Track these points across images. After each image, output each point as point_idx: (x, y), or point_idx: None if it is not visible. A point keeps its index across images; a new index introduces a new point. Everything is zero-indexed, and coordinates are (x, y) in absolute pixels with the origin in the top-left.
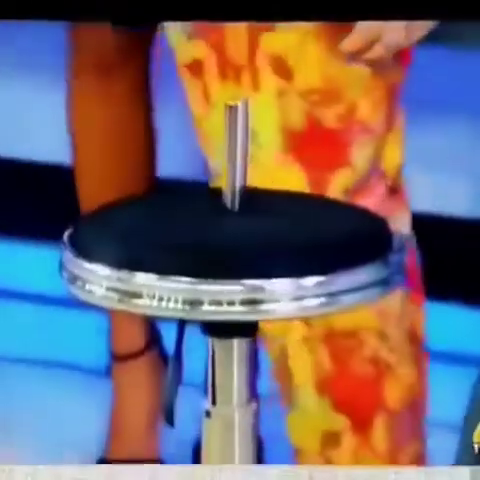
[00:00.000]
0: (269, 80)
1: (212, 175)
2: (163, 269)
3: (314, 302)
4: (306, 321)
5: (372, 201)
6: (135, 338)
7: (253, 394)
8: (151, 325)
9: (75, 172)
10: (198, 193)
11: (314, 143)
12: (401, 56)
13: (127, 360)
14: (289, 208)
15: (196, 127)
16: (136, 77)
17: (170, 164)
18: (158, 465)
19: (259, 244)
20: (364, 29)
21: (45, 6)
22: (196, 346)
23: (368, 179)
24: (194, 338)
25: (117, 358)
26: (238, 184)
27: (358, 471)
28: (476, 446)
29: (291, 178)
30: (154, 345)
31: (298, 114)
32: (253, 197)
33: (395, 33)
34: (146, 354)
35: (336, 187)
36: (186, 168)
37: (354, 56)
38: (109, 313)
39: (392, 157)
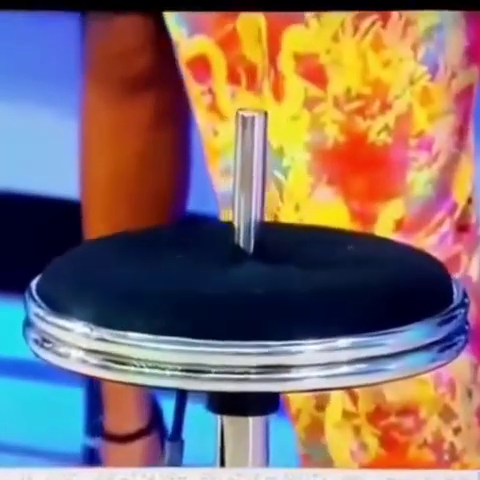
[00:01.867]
0: (295, 86)
1: (221, 206)
2: (158, 327)
3: (351, 370)
4: (348, 392)
5: (432, 241)
6: (132, 416)
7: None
8: (152, 399)
9: (83, 214)
10: (203, 230)
11: (356, 166)
12: (476, 53)
13: (121, 442)
14: (319, 250)
15: (203, 144)
16: (163, 98)
17: None
18: None
19: (280, 296)
20: None
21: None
22: (201, 423)
23: (428, 212)
24: (198, 414)
25: (110, 438)
26: (253, 218)
27: None
28: None
29: (326, 212)
30: (155, 426)
31: (334, 129)
32: (273, 235)
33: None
34: (144, 437)
35: (386, 223)
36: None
37: None
38: (100, 384)
39: (462, 183)
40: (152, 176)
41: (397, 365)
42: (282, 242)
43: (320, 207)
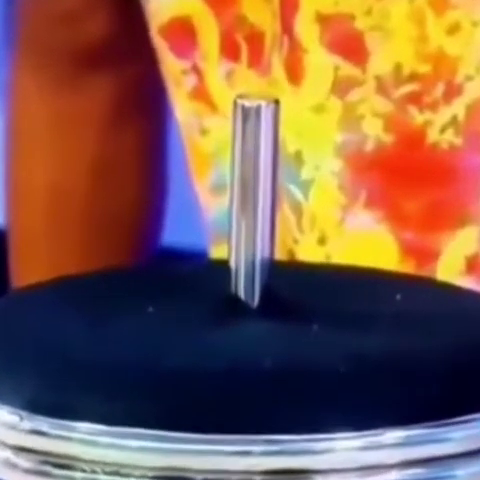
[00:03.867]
0: (320, 62)
1: (211, 237)
2: (118, 415)
3: (402, 477)
4: None
5: None
6: None
7: None
8: None
9: (10, 249)
10: (184, 272)
11: (409, 179)
12: None
13: None
14: (354, 302)
15: (185, 147)
16: (125, 80)
17: None
18: None
19: (296, 370)
20: None
21: None
22: None
23: None
24: None
25: None
26: (258, 256)
27: None
28: None
29: (365, 246)
30: None
31: (377, 125)
32: (287, 281)
33: None
34: None
35: (452, 261)
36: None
37: None
38: None
39: None
40: (110, 193)
41: (467, 471)
42: (300, 291)
43: (356, 239)
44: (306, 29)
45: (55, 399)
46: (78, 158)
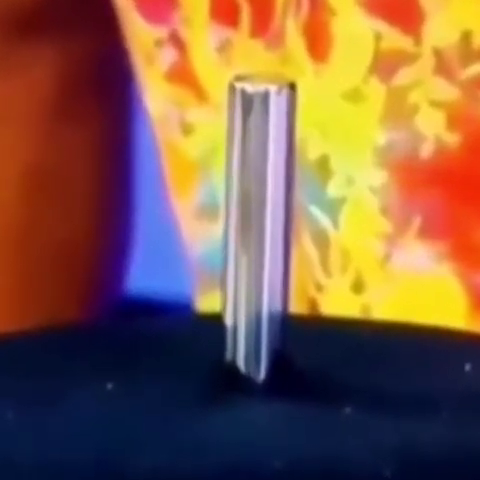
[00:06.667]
0: (355, 29)
1: (198, 282)
2: None
3: None
4: None
5: None
6: None
7: None
8: None
9: None
10: (159, 331)
11: None
12: None
13: None
14: (403, 373)
15: (160, 151)
16: (76, 55)
17: None
18: None
19: (315, 474)
20: None
21: None
22: None
23: None
24: None
25: None
26: (265, 308)
27: None
28: None
29: (419, 292)
30: None
31: (436, 119)
32: (306, 344)
33: None
34: None
35: None
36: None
37: None
38: None
39: None
40: (51, 217)
41: None
42: (324, 359)
43: (406, 284)
44: None
45: None
46: (6, 166)
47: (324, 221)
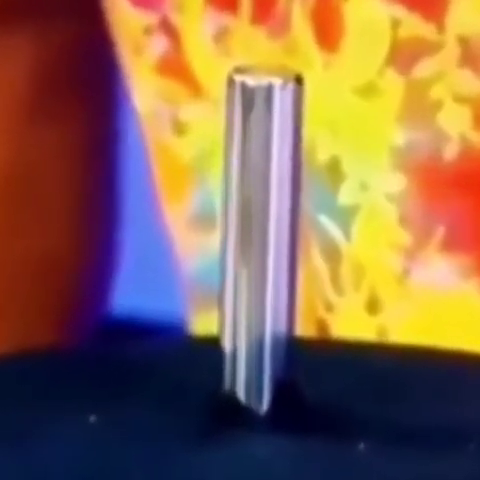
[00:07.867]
0: (371, 16)
1: (191, 301)
2: None
3: None
4: None
5: None
6: None
7: None
8: None
9: None
10: (147, 358)
11: None
12: None
13: None
14: (415, 407)
15: (150, 152)
16: (57, 45)
17: None
18: None
19: None
20: None
21: None
22: None
23: None
24: None
25: None
26: (269, 330)
27: None
28: None
29: (442, 311)
30: None
31: (462, 117)
32: (312, 371)
33: None
34: None
35: None
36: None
37: None
38: None
39: None
40: (27, 228)
41: None
42: (335, 388)
43: (428, 302)
44: None
45: None
46: None
47: (335, 232)
